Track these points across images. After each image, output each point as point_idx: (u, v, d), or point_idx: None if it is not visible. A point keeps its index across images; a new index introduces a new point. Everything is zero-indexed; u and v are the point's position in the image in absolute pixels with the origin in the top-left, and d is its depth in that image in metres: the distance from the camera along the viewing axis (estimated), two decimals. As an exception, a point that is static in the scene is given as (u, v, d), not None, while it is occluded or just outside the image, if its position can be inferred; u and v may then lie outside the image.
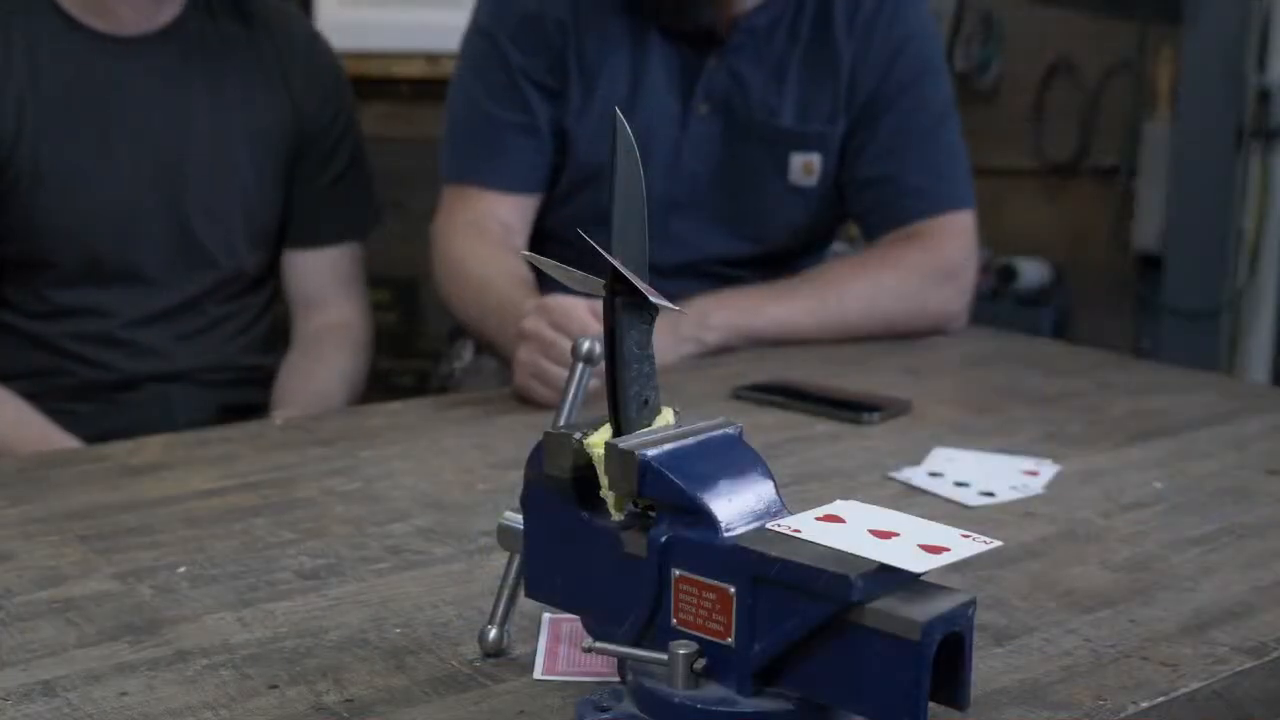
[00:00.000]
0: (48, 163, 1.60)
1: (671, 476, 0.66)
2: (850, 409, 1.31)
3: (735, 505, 0.66)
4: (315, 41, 1.79)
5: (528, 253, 0.76)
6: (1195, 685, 0.76)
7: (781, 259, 1.80)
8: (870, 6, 1.71)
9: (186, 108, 1.67)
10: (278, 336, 1.82)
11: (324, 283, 1.79)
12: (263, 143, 1.71)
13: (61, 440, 1.54)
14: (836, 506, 0.67)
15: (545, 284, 1.52)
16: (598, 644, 0.69)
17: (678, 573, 0.66)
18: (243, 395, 1.72)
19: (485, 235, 1.67)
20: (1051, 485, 1.11)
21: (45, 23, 1.62)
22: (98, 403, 1.66)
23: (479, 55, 1.73)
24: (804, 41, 1.71)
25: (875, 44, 1.70)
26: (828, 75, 1.70)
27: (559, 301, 1.34)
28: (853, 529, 0.64)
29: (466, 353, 1.84)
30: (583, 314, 1.30)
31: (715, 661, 0.65)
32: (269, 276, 1.80)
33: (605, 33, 1.69)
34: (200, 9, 1.69)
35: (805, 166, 1.72)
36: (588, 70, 1.70)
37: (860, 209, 1.76)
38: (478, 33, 1.74)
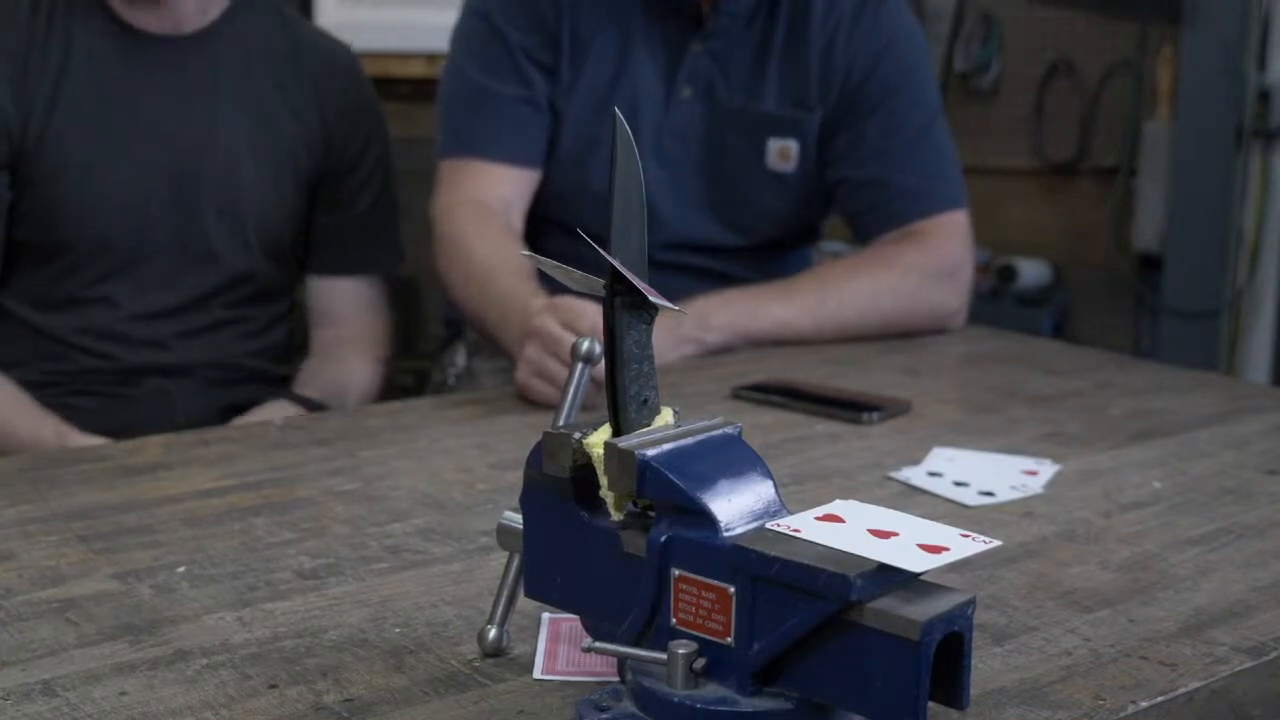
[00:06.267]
0: (70, 152, 1.62)
1: (671, 476, 0.66)
2: (850, 409, 1.31)
3: (735, 505, 0.66)
4: (355, 72, 1.81)
5: (528, 252, 0.76)
6: (1194, 685, 0.76)
7: (766, 251, 1.81)
8: (850, 2, 1.71)
9: (212, 110, 1.69)
10: (293, 350, 1.83)
11: (347, 305, 1.81)
12: (289, 158, 1.73)
13: (55, 428, 1.55)
14: (836, 506, 0.67)
15: (546, 277, 1.52)
16: (597, 644, 0.69)
17: (677, 572, 0.66)
18: (246, 395, 1.72)
19: (489, 216, 1.66)
20: (1051, 485, 1.11)
21: (87, 17, 1.65)
22: (100, 397, 1.67)
23: (475, 36, 1.74)
24: (782, 28, 1.72)
25: (855, 42, 1.71)
26: (803, 63, 1.71)
27: (570, 302, 1.34)
28: (852, 529, 0.64)
29: (460, 358, 1.84)
30: (594, 315, 1.30)
31: (715, 661, 0.65)
32: (285, 290, 1.81)
33: (595, 13, 1.71)
34: (243, 18, 1.71)
35: (781, 152, 1.73)
36: (578, 49, 1.71)
37: (854, 211, 1.77)
38: (472, 14, 1.75)
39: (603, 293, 0.69)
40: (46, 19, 1.63)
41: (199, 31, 1.68)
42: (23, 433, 1.55)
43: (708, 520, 0.65)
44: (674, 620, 0.67)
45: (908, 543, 0.63)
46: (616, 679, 0.72)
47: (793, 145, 1.73)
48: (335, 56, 1.80)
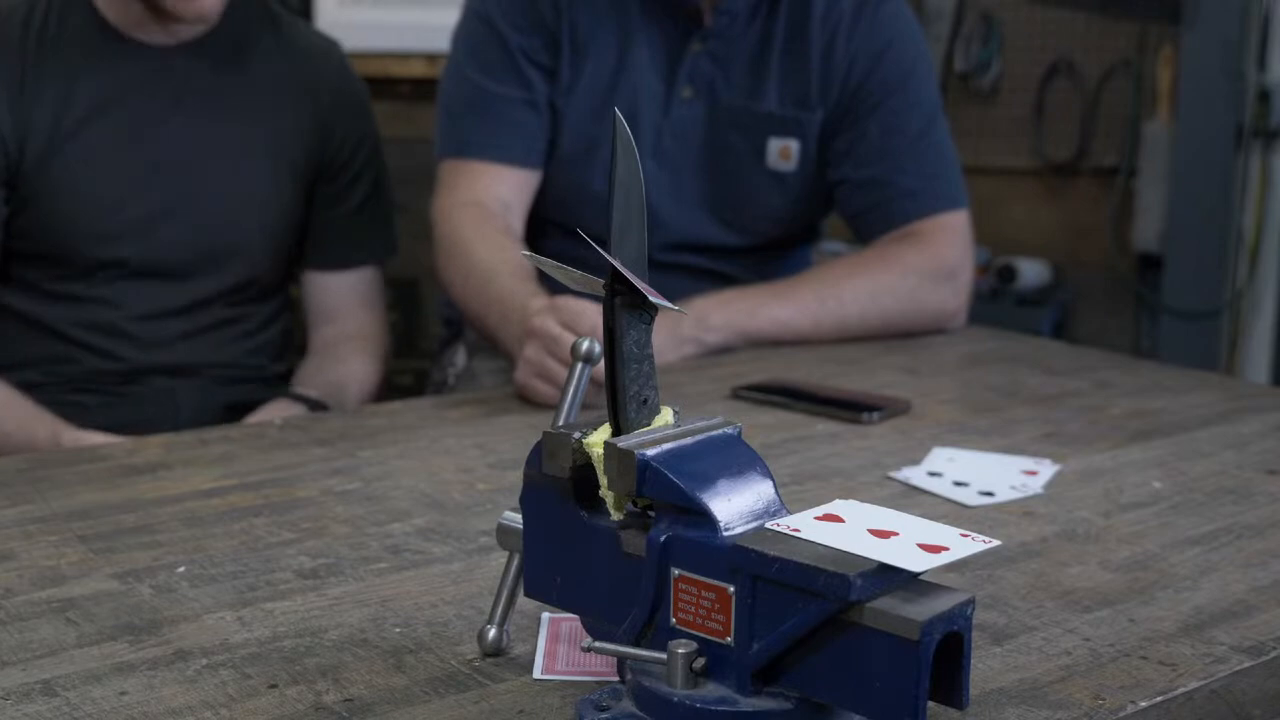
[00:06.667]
0: (74, 164, 1.63)
1: (671, 476, 0.66)
2: (850, 409, 1.31)
3: (735, 505, 0.66)
4: (345, 68, 1.82)
5: (528, 252, 0.76)
6: (1194, 685, 0.76)
7: (766, 251, 1.81)
8: (850, 2, 1.71)
9: (213, 115, 1.69)
10: (289, 346, 1.84)
11: (344, 300, 1.82)
12: (286, 157, 1.73)
13: (50, 427, 1.55)
14: (835, 506, 0.67)
15: (546, 277, 1.52)
16: (597, 644, 0.69)
17: (677, 572, 0.66)
18: (249, 393, 1.73)
19: (488, 217, 1.67)
20: (1051, 485, 1.11)
21: (84, 33, 1.65)
22: (104, 394, 1.68)
23: (475, 38, 1.74)
24: (782, 27, 1.72)
25: (855, 41, 1.71)
26: (803, 62, 1.71)
27: (570, 302, 1.34)
28: (852, 528, 0.64)
29: (459, 359, 1.84)
30: (594, 316, 1.30)
31: (714, 661, 0.65)
32: (281, 288, 1.81)
33: (594, 13, 1.71)
34: (237, 23, 1.71)
35: (782, 151, 1.73)
36: (578, 49, 1.71)
37: (854, 211, 1.77)
38: (472, 17, 1.76)
39: (603, 293, 0.69)
40: (38, 36, 1.63)
41: (195, 38, 1.68)
42: (17, 435, 1.54)
43: (707, 520, 0.65)
44: (674, 620, 0.67)
45: (907, 542, 0.63)
46: (616, 679, 0.72)
47: (794, 145, 1.73)
48: (327, 54, 1.81)
